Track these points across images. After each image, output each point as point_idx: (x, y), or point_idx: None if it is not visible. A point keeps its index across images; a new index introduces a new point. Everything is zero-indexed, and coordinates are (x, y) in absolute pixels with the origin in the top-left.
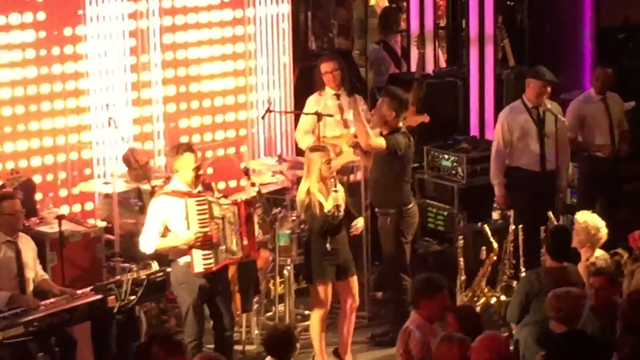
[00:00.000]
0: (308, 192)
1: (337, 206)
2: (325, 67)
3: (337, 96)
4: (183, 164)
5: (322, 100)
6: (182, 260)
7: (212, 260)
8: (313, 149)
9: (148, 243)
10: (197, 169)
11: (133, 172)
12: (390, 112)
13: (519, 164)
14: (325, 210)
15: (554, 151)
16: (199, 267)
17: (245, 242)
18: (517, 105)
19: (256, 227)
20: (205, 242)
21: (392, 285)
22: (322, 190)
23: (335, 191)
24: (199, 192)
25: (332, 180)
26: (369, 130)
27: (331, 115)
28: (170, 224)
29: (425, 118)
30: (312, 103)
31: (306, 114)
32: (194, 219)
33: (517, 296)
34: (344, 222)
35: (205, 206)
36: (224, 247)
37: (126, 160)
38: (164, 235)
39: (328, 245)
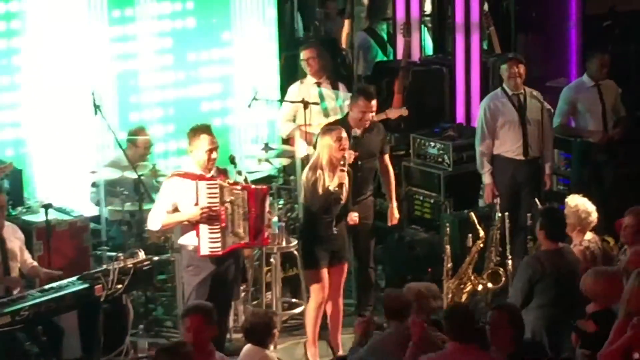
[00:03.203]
0: (315, 170)
1: (341, 185)
2: (303, 54)
3: (319, 84)
4: (197, 145)
5: (304, 89)
6: (191, 245)
7: (219, 244)
8: (325, 129)
9: (155, 220)
10: (211, 151)
11: (134, 150)
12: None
13: (502, 151)
14: (331, 188)
15: (537, 138)
16: (205, 249)
17: (254, 229)
18: (497, 93)
19: (266, 214)
20: (213, 221)
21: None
22: (329, 169)
23: (342, 170)
24: (212, 176)
25: (342, 159)
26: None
27: (317, 103)
28: (180, 205)
29: (404, 112)
30: (294, 92)
31: (293, 102)
32: (204, 202)
33: (519, 282)
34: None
35: (216, 190)
36: (231, 231)
37: (133, 134)
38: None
39: (335, 228)
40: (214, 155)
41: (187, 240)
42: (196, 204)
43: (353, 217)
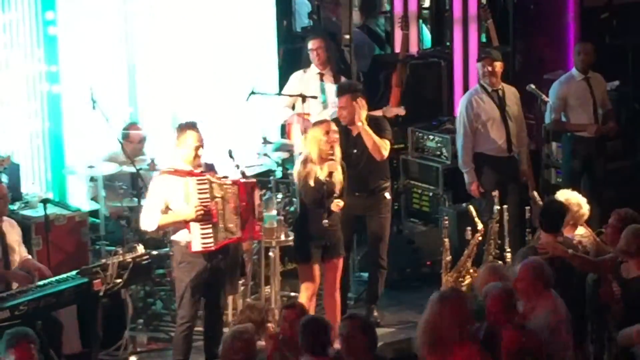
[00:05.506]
0: (306, 163)
1: (331, 174)
2: (312, 44)
3: (321, 75)
4: (184, 141)
5: (305, 78)
6: (184, 240)
7: (211, 240)
8: (314, 122)
9: (150, 221)
10: (197, 148)
11: (130, 145)
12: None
13: (484, 149)
14: (322, 178)
15: (517, 134)
16: (197, 246)
17: (245, 223)
18: (477, 89)
19: (257, 207)
20: (205, 217)
21: (382, 264)
22: (319, 162)
23: (332, 159)
24: (201, 172)
25: (332, 150)
26: (378, 141)
27: (315, 97)
28: (171, 203)
29: (402, 111)
30: (295, 80)
31: (291, 95)
32: (194, 199)
33: None
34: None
35: (206, 186)
36: (223, 226)
37: (126, 129)
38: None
39: (325, 221)
40: (200, 152)
41: (179, 236)
42: (188, 202)
43: (337, 203)
